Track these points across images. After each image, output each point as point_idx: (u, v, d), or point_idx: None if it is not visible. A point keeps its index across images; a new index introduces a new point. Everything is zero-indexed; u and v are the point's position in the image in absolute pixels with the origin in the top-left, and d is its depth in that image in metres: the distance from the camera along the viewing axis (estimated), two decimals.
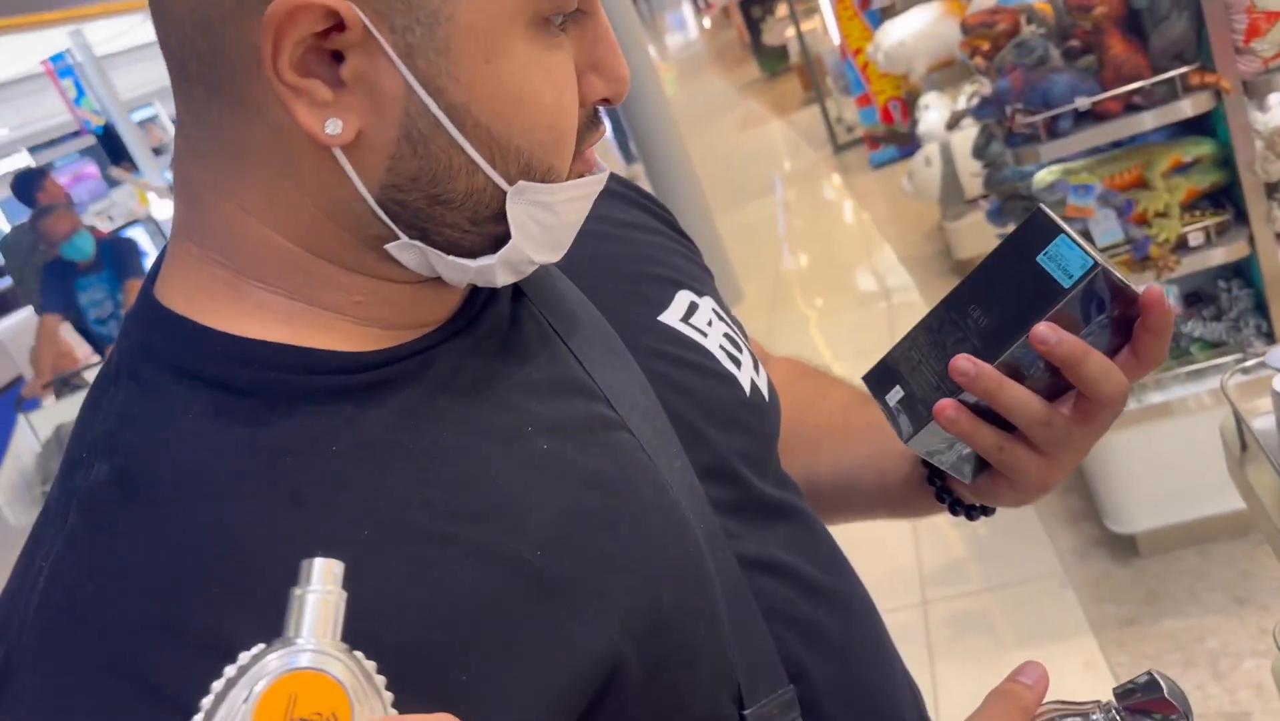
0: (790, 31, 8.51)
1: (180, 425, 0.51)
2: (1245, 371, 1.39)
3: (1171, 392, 2.64)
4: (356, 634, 0.40)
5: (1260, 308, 2.59)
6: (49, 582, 0.49)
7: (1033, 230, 0.63)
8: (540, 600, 0.53)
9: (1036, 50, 2.54)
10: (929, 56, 4.53)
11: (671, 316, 0.70)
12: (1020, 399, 0.62)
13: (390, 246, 0.54)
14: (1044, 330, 0.60)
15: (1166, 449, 2.64)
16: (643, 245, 0.75)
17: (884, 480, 0.82)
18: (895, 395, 0.66)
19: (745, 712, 0.62)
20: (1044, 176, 2.60)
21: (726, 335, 0.73)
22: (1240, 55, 2.35)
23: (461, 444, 0.55)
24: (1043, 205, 0.65)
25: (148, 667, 0.46)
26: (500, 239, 0.55)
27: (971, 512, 0.78)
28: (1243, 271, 2.62)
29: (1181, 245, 2.51)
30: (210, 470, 0.50)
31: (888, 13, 5.04)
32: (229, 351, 0.53)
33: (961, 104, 3.78)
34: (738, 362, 0.72)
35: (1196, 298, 2.76)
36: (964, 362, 0.61)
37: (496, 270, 0.56)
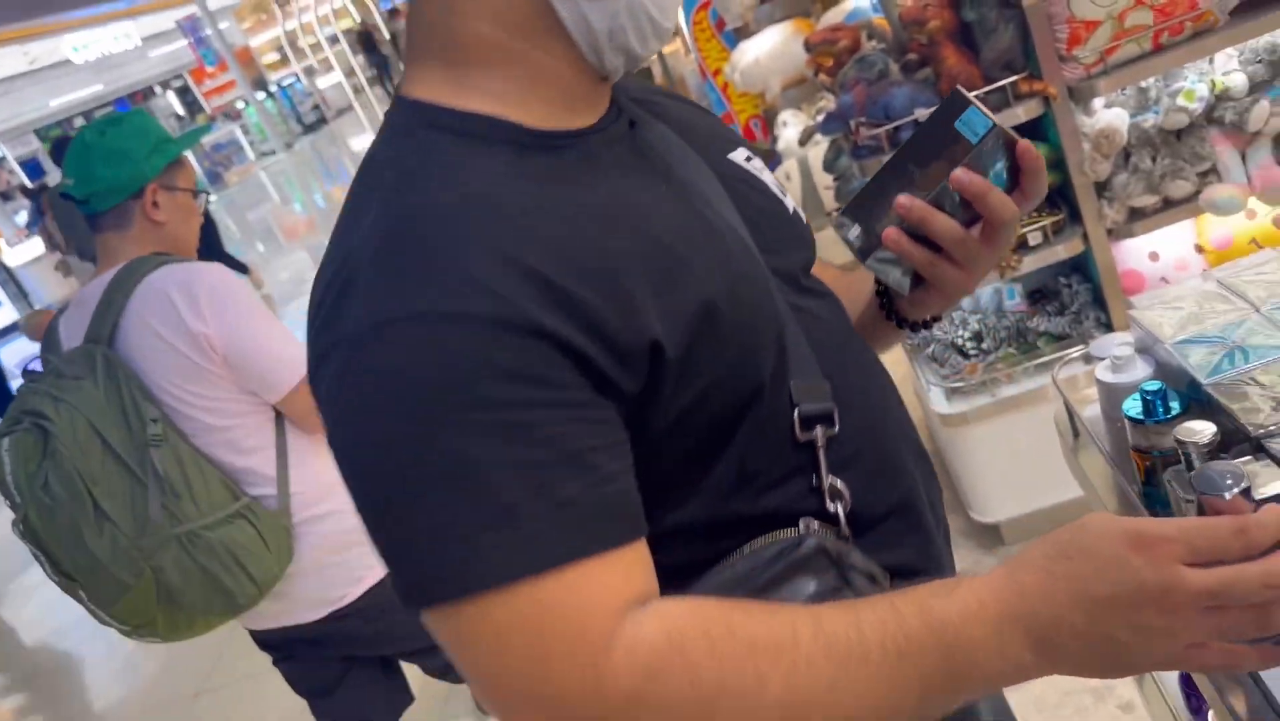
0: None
1: (446, 151, 0.77)
2: (1087, 360, 1.46)
3: (1022, 386, 2.76)
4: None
5: (1098, 300, 2.74)
6: (375, 223, 0.74)
7: (951, 105, 0.88)
8: (685, 262, 0.78)
9: (877, 65, 2.63)
10: (782, 74, 4.66)
11: (738, 157, 0.96)
12: (945, 224, 0.87)
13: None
14: (960, 174, 0.85)
15: (1020, 439, 2.75)
16: (703, 116, 1.02)
17: (854, 309, 1.06)
18: (855, 231, 0.91)
19: (798, 406, 0.83)
20: None
21: (772, 178, 0.99)
22: (1064, 63, 2.49)
23: (629, 185, 0.82)
24: (958, 86, 0.91)
25: (471, 268, 0.70)
26: None
27: (915, 327, 1.05)
28: (1080, 267, 2.77)
29: (1022, 245, 2.63)
30: (483, 171, 0.76)
31: (741, 33, 5.16)
32: (466, 120, 0.78)
33: (814, 120, 3.89)
34: (784, 192, 0.99)
35: (1041, 294, 2.89)
36: (905, 199, 0.87)
37: (627, 24, 0.79)
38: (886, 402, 0.95)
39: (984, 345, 2.84)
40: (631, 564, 0.72)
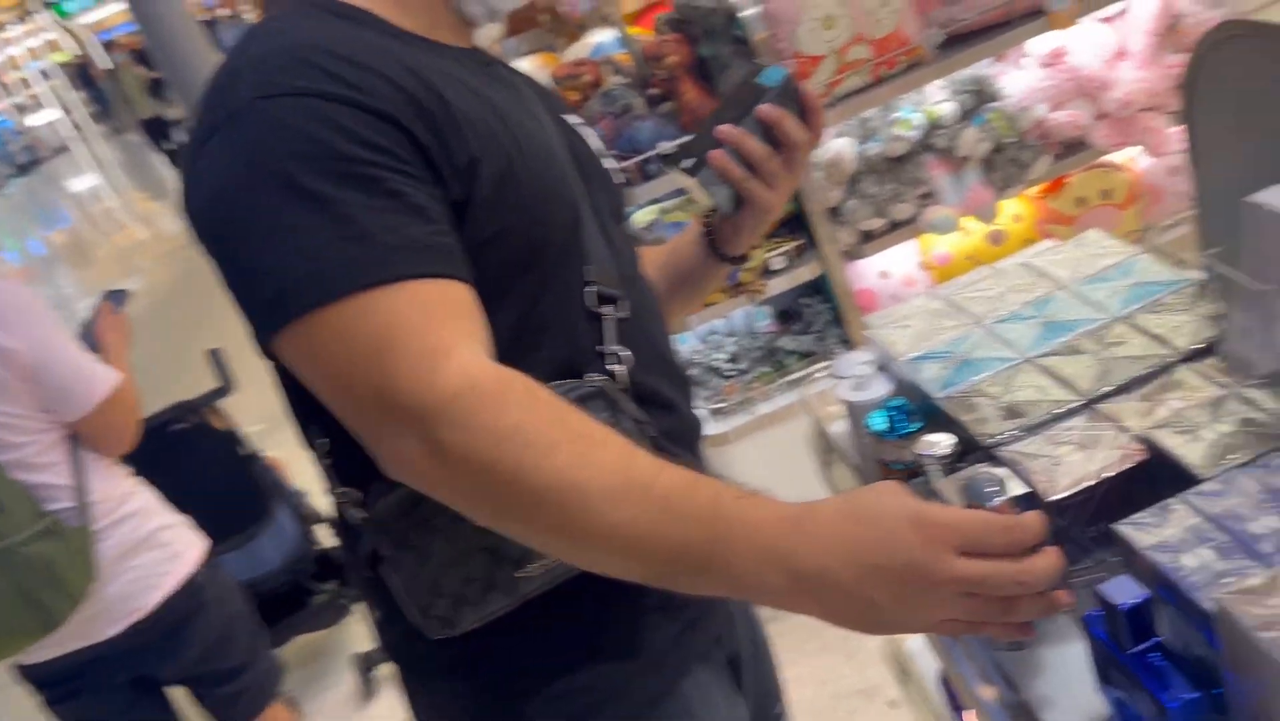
0: None
1: (324, 19, 0.91)
2: (840, 378, 1.51)
3: (776, 403, 2.87)
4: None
5: (838, 318, 2.89)
6: (259, 45, 0.89)
7: (754, 67, 1.18)
8: (505, 121, 0.93)
9: (621, 99, 2.67)
10: None
11: (571, 120, 1.11)
12: (756, 145, 1.07)
13: None
14: (765, 108, 1.07)
15: (778, 453, 2.86)
16: (544, 86, 1.16)
17: (679, 260, 1.24)
18: (687, 162, 1.10)
19: (589, 283, 0.97)
20: (641, 217, 2.73)
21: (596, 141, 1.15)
22: None
23: (476, 79, 0.95)
24: (758, 60, 1.23)
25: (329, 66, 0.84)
26: None
27: (733, 260, 1.22)
28: (820, 288, 2.91)
29: (767, 270, 2.73)
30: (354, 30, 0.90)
31: None
32: (343, 6, 0.93)
33: None
34: (605, 156, 1.15)
35: (788, 315, 3.02)
36: (725, 127, 1.07)
37: None
38: (662, 328, 1.11)
39: (740, 366, 2.94)
40: (473, 303, 0.84)
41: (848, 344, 2.87)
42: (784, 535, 0.77)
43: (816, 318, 2.90)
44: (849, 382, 1.23)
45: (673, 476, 0.79)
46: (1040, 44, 2.74)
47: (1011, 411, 1.01)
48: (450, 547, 0.89)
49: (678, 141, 1.14)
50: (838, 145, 2.68)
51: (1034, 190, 2.83)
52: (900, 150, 2.68)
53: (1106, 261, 1.16)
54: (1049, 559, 0.74)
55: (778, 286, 2.80)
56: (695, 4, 2.67)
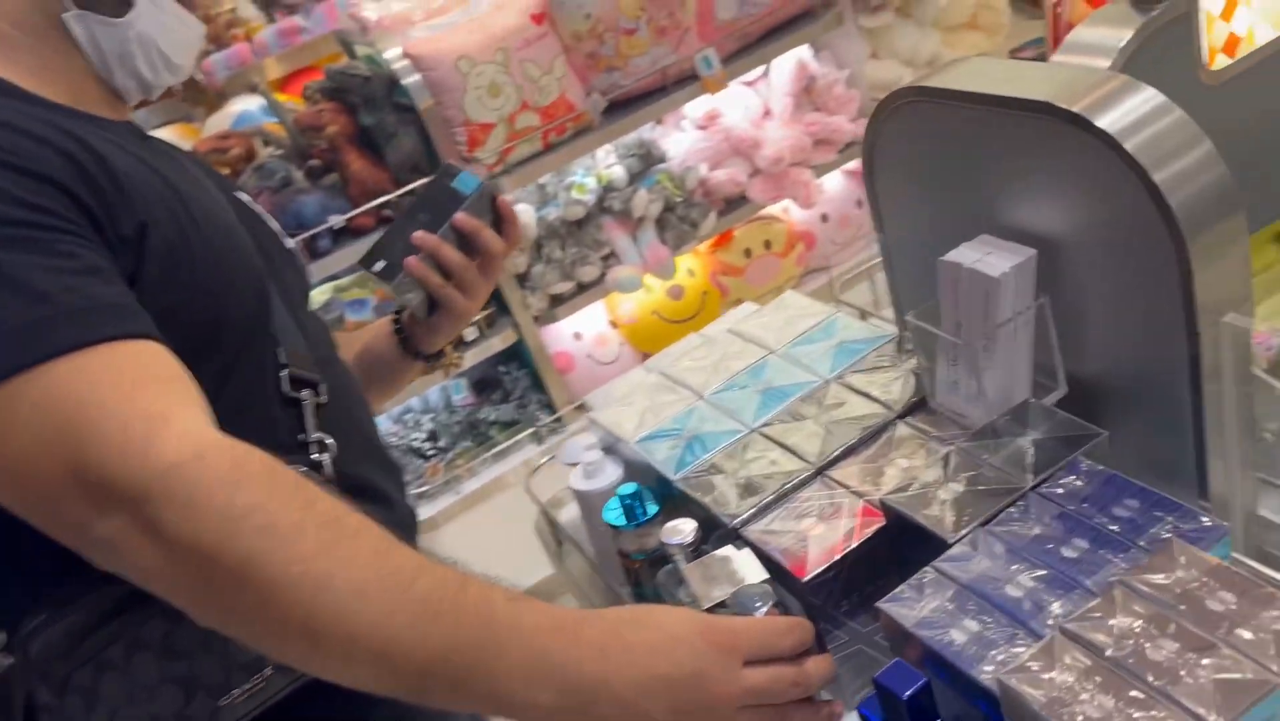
0: None
1: None
2: (567, 464, 1.43)
3: (484, 477, 2.76)
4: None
5: (537, 384, 2.85)
6: None
7: (447, 172, 1.13)
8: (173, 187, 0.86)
9: (278, 173, 2.47)
10: None
11: (243, 197, 1.05)
12: (453, 254, 1.09)
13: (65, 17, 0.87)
14: (461, 217, 1.09)
15: (491, 526, 2.75)
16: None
17: (371, 357, 1.19)
18: (380, 265, 1.10)
19: (283, 366, 0.90)
20: (316, 296, 2.53)
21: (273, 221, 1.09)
22: (468, 164, 2.56)
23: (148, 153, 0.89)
24: (449, 161, 1.28)
25: None
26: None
27: (426, 359, 1.21)
28: (516, 355, 2.85)
29: (461, 342, 2.63)
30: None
31: None
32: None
33: None
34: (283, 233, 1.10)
35: (485, 385, 2.93)
36: (421, 234, 1.08)
37: (137, 52, 0.90)
38: (367, 413, 1.07)
39: (441, 443, 2.80)
40: (180, 366, 0.74)
41: (550, 408, 2.83)
42: (561, 643, 0.71)
43: (516, 385, 2.84)
44: (578, 471, 1.16)
45: (436, 573, 0.71)
46: (696, 107, 2.88)
47: (748, 487, 0.98)
48: (128, 684, 0.77)
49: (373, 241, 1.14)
50: (518, 212, 2.64)
51: (704, 245, 2.96)
52: (579, 214, 2.69)
53: (808, 322, 1.18)
54: (823, 661, 0.74)
55: (473, 357, 2.70)
56: (349, 71, 2.54)
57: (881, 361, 1.08)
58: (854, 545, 0.89)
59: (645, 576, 1.08)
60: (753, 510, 0.96)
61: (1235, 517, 0.90)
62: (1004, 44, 3.22)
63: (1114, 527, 0.78)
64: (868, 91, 3.04)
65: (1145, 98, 0.82)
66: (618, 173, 2.72)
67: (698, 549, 0.97)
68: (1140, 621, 0.67)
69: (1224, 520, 0.76)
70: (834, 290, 1.30)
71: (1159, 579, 0.69)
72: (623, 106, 2.71)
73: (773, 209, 3.03)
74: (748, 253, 2.97)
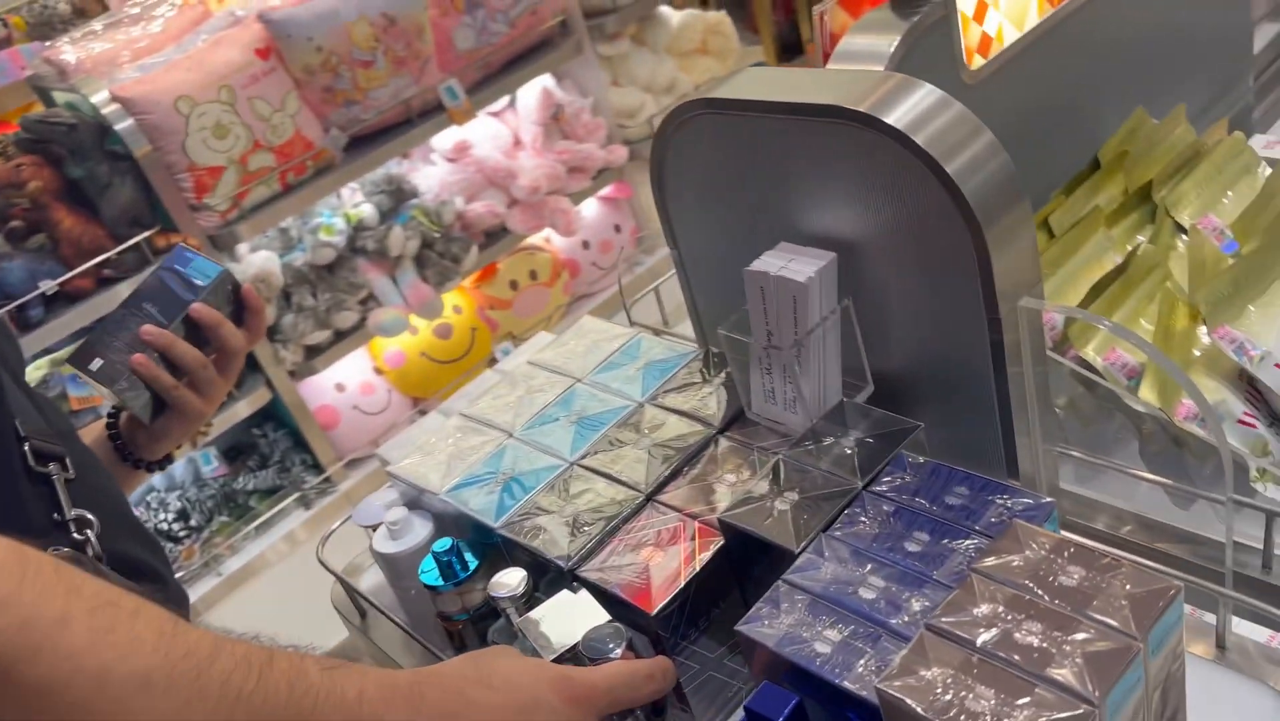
0: None
1: None
2: (365, 527, 1.31)
3: (250, 553, 2.53)
4: None
5: (300, 444, 2.65)
6: None
7: (180, 256, 1.02)
8: None
9: None
10: None
11: None
12: (186, 350, 0.98)
13: None
14: (199, 307, 0.99)
15: (264, 606, 2.53)
16: None
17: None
18: (97, 364, 0.97)
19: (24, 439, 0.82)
20: (31, 373, 2.23)
21: None
22: (198, 212, 2.35)
23: None
24: (184, 241, 1.15)
25: None
26: None
27: (151, 466, 1.08)
28: (272, 415, 2.64)
29: None
30: None
31: None
32: None
33: None
34: None
35: (239, 452, 2.70)
36: (150, 328, 0.98)
37: None
38: (118, 487, 0.99)
39: (193, 522, 2.54)
40: None
41: (317, 469, 2.64)
42: (393, 708, 0.64)
43: (274, 448, 2.63)
44: (380, 533, 1.06)
45: (235, 651, 0.62)
46: (444, 139, 2.80)
47: (578, 524, 0.93)
48: None
49: (84, 338, 1.03)
50: (259, 260, 2.46)
51: (469, 280, 2.88)
52: (329, 257, 2.54)
53: (610, 346, 1.14)
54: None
55: (222, 423, 2.48)
56: (50, 120, 2.27)
57: (692, 378, 1.06)
58: (697, 568, 0.85)
59: (471, 637, 1.00)
60: (586, 548, 0.90)
61: (1041, 491, 0.94)
62: (734, 68, 3.36)
63: (949, 516, 0.78)
64: (613, 118, 3.08)
65: (925, 93, 0.85)
66: (367, 211, 2.60)
67: (530, 598, 0.91)
68: (1001, 607, 0.67)
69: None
70: (627, 312, 1.27)
71: (1010, 561, 0.70)
72: (366, 141, 2.59)
73: (534, 239, 3.00)
74: (514, 284, 2.92)
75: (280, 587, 2.48)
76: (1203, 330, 0.93)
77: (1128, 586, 0.66)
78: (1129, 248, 1.05)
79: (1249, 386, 0.91)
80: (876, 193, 0.88)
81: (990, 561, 0.70)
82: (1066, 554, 0.69)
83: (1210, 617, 0.85)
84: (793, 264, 0.91)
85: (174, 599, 0.93)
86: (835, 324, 0.93)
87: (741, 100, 0.93)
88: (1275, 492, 0.88)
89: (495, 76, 2.79)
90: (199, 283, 1.01)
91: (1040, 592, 0.67)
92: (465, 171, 2.80)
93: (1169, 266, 1.00)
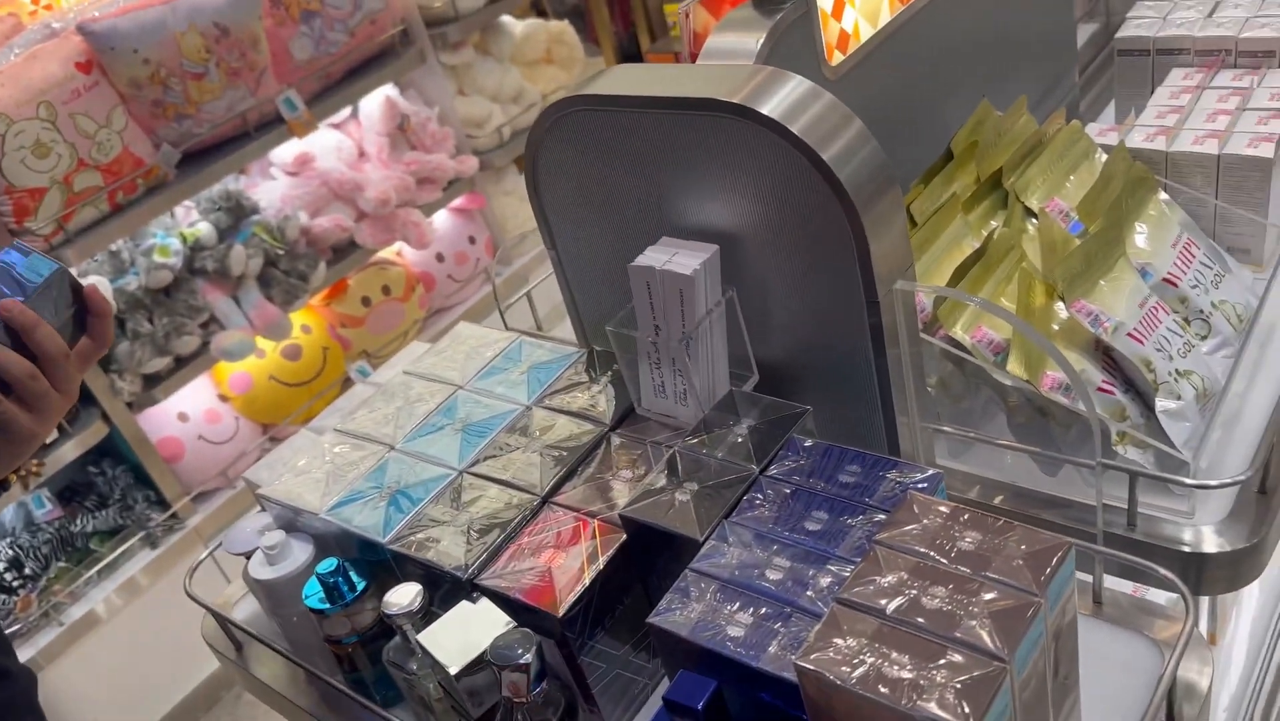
0: None
1: None
2: (238, 555, 1.23)
3: (93, 599, 2.36)
4: None
5: (142, 479, 2.49)
6: None
7: (8, 254, 0.90)
8: None
9: None
10: None
11: None
12: (13, 362, 0.86)
13: None
14: (9, 304, 0.86)
15: (115, 651, 2.36)
16: None
17: None
18: None
19: None
20: None
21: None
22: (19, 236, 2.18)
23: None
24: (18, 240, 0.94)
25: None
26: None
27: None
28: (110, 450, 2.48)
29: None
30: None
31: None
32: None
33: None
34: None
35: (75, 491, 2.51)
36: None
37: None
38: None
39: (27, 570, 2.35)
40: None
41: (163, 505, 2.48)
42: None
43: (113, 485, 2.46)
44: (256, 559, 1.00)
45: None
46: (284, 152, 2.70)
47: (473, 531, 0.90)
48: None
49: None
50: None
51: (318, 298, 2.78)
52: (165, 279, 2.40)
53: (491, 351, 1.12)
54: None
55: (54, 463, 2.31)
56: None
57: (578, 378, 1.05)
58: (601, 566, 0.84)
59: (362, 660, 0.96)
60: (484, 556, 0.88)
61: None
62: (579, 76, 3.37)
63: (845, 494, 0.80)
64: (461, 128, 3.04)
65: (795, 84, 0.87)
66: (205, 229, 2.47)
67: (426, 613, 0.88)
68: (906, 575, 0.69)
69: None
70: (503, 317, 1.25)
71: (909, 531, 0.72)
72: (200, 156, 2.47)
73: (386, 253, 2.92)
74: (366, 301, 2.84)
75: (129, 632, 2.33)
76: (1059, 305, 0.99)
77: (1022, 546, 0.69)
78: (984, 232, 1.11)
79: (1105, 356, 0.97)
80: (754, 183, 0.89)
81: (890, 533, 0.72)
82: (961, 520, 0.72)
83: (1085, 577, 0.90)
84: (677, 257, 0.91)
85: (23, 690, 0.86)
86: (721, 315, 0.94)
87: (616, 95, 0.93)
88: (1135, 454, 0.94)
89: (336, 87, 2.71)
90: (30, 281, 0.89)
91: (940, 559, 0.70)
92: (308, 185, 2.70)
93: (1023, 248, 1.05)
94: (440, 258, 3.03)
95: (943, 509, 0.73)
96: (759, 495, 0.82)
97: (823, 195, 0.85)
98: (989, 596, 0.66)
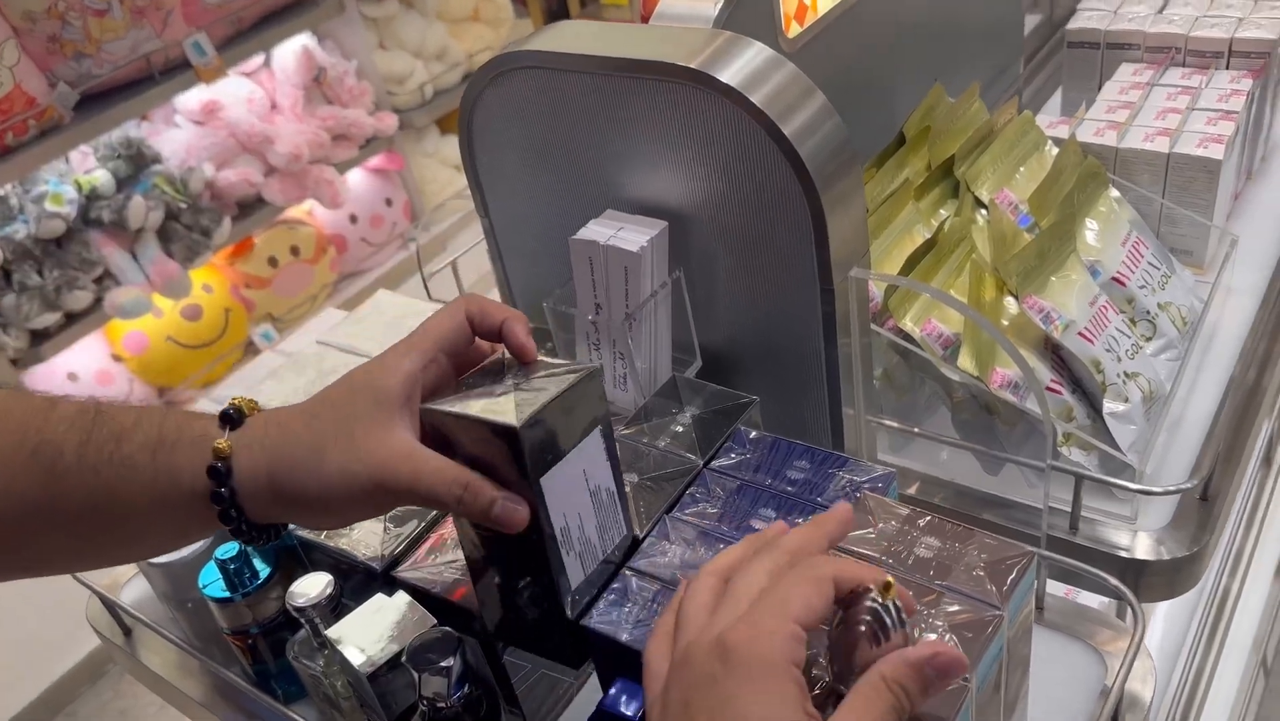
0: None
1: None
2: None
3: None
4: None
5: None
6: None
7: None
8: None
9: None
10: None
11: None
12: None
13: None
14: None
15: None
16: None
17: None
18: None
19: None
20: None
21: None
22: None
23: None
24: None
25: None
26: None
27: (256, 534, 0.67)
28: None
29: None
30: None
31: None
32: None
33: None
34: None
35: None
36: None
37: None
38: None
39: None
40: None
41: None
42: None
43: None
44: None
45: None
46: (190, 99, 2.54)
47: (390, 520, 0.84)
48: None
49: None
50: None
51: (221, 256, 2.63)
52: (58, 229, 2.24)
53: (412, 324, 1.04)
54: None
55: None
56: None
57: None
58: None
59: (264, 651, 0.88)
60: (401, 546, 0.81)
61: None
62: (508, 37, 3.27)
63: (794, 491, 0.76)
64: (381, 83, 2.91)
65: (756, 52, 0.81)
66: (102, 177, 2.31)
67: (337, 605, 0.81)
68: None
69: None
70: (426, 287, 1.18)
71: (865, 535, 0.68)
72: (100, 99, 2.30)
73: (295, 211, 2.78)
74: (273, 261, 2.70)
75: (8, 607, 2.18)
76: (1009, 300, 0.97)
77: (982, 556, 0.65)
78: (934, 221, 1.07)
79: (1054, 354, 0.95)
80: (708, 156, 0.84)
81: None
82: (919, 525, 0.68)
83: None
84: (623, 232, 0.85)
85: None
86: (667, 296, 0.88)
87: (562, 54, 0.87)
88: (1079, 456, 0.92)
89: (249, 33, 2.56)
90: None
91: (900, 565, 0.66)
92: (215, 135, 2.55)
93: (974, 239, 1.02)
94: (354, 219, 2.91)
95: (901, 511, 0.69)
96: (703, 489, 0.77)
97: (781, 171, 0.80)
98: (951, 609, 0.62)
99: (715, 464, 0.80)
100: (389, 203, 3.00)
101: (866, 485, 0.75)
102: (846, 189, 0.81)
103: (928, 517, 0.68)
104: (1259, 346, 1.06)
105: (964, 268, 1.01)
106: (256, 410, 0.67)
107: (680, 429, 0.83)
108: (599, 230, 0.86)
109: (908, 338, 0.94)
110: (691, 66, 0.80)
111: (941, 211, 1.10)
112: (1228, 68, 1.26)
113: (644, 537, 0.75)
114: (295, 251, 2.74)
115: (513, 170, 0.96)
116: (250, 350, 2.71)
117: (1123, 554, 0.91)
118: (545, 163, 0.93)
